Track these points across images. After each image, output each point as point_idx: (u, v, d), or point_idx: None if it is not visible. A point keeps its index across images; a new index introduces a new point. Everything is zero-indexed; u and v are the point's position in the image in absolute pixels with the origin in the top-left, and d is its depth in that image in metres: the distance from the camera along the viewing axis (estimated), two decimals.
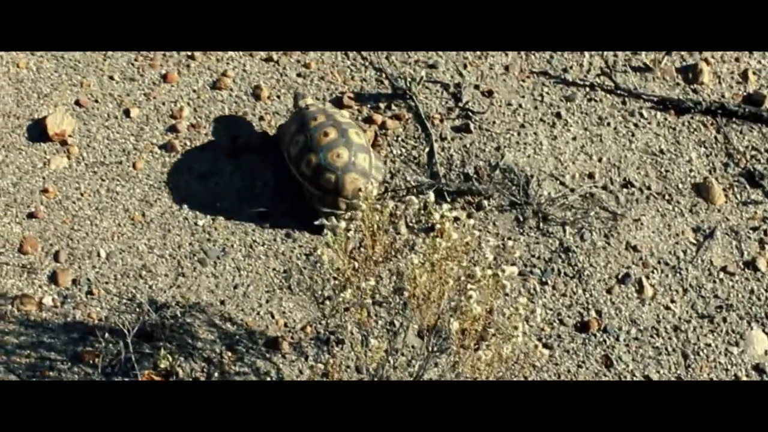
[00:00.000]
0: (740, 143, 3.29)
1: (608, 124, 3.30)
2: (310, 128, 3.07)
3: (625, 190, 3.19)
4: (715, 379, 2.86)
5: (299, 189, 3.14)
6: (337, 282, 2.50)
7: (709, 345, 2.92)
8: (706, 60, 3.46)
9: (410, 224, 3.08)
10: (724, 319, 2.97)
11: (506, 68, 3.42)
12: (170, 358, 2.75)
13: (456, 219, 2.39)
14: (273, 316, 2.94)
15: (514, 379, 2.51)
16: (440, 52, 3.44)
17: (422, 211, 2.90)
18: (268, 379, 2.79)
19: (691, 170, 3.24)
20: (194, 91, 3.40)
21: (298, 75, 3.43)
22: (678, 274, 3.04)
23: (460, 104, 3.30)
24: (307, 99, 3.26)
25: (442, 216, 2.32)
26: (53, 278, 3.01)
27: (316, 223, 2.95)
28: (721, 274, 3.05)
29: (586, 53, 3.45)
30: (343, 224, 2.38)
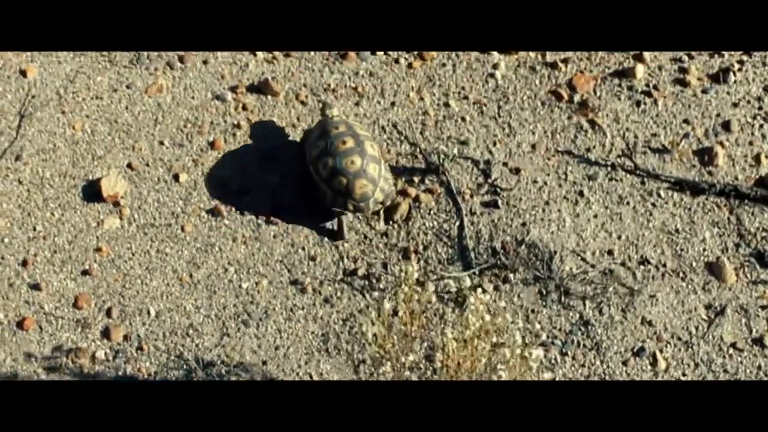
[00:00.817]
0: (752, 224, 3.50)
1: (628, 203, 3.52)
2: (331, 135, 3.42)
3: (642, 267, 3.39)
4: None
5: (314, 189, 3.44)
6: (376, 354, 2.71)
7: None
8: (721, 143, 3.68)
9: (440, 293, 3.29)
10: None
11: (533, 146, 3.64)
12: None
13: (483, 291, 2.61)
14: (311, 377, 3.15)
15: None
16: (471, 129, 3.67)
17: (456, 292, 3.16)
18: None
19: (704, 249, 3.45)
20: (239, 158, 3.63)
21: None
22: (690, 349, 3.25)
23: (489, 180, 3.52)
24: (333, 110, 3.60)
25: (475, 299, 2.54)
26: (106, 333, 3.23)
27: (327, 225, 3.39)
28: (731, 350, 3.25)
29: (608, 134, 3.67)
30: (387, 305, 2.59)
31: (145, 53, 3.87)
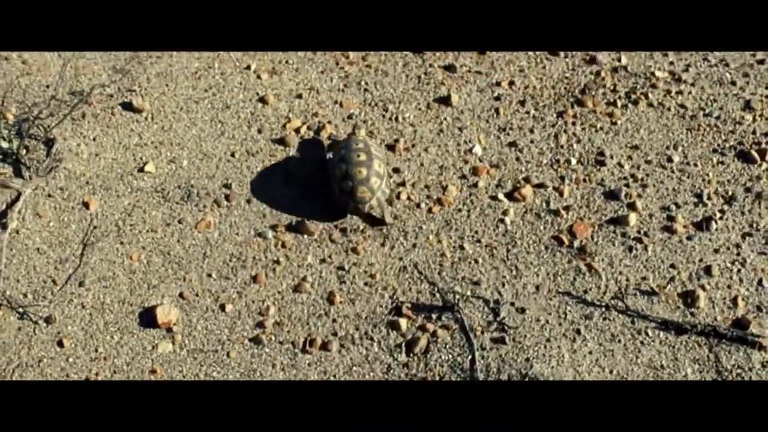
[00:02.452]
0: (728, 362, 3.97)
1: (619, 340, 3.99)
2: (351, 148, 4.31)
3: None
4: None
5: (330, 189, 4.33)
6: None
7: None
8: (703, 286, 4.16)
9: None
10: None
11: (537, 288, 4.13)
12: None
13: None
14: None
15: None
16: (482, 270, 4.16)
17: None
18: None
19: None
20: (279, 292, 4.12)
21: (365, 284, 4.15)
22: None
23: (498, 318, 4.01)
24: (361, 131, 4.56)
25: None
26: None
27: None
28: None
29: (603, 277, 4.16)
30: None
31: (195, 191, 4.39)
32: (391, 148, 4.56)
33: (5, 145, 4.56)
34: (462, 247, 4.24)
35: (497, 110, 4.72)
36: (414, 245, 4.25)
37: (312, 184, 4.41)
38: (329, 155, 4.45)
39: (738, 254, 4.24)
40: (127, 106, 4.78)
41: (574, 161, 4.50)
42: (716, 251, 4.25)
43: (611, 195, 4.40)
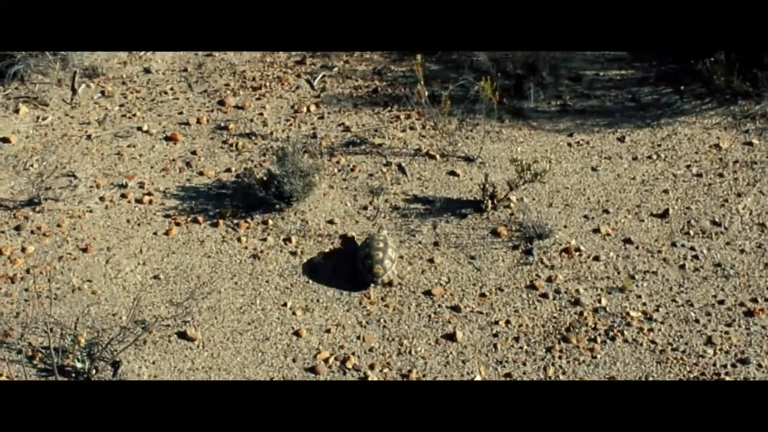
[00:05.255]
0: None
1: None
2: (375, 239, 5.95)
3: None
4: None
5: (355, 266, 5.92)
6: None
7: None
8: None
9: None
10: None
11: None
12: None
13: None
14: None
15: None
16: None
17: None
18: None
19: None
20: None
21: None
22: None
23: None
24: (384, 231, 6.06)
25: None
26: None
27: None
28: None
29: None
30: None
31: None
32: (405, 377, 5.39)
33: (79, 365, 5.41)
34: None
35: (495, 345, 5.58)
36: None
37: None
38: (363, 243, 6.01)
39: None
40: (182, 335, 5.67)
41: None
42: None
43: None
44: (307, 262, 6.12)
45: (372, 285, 5.87)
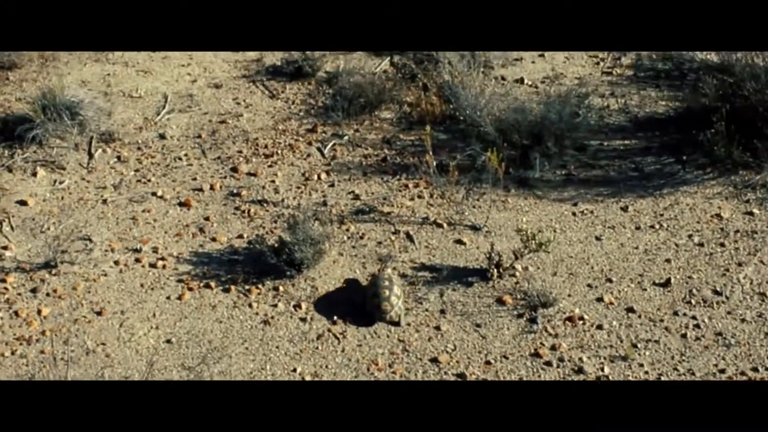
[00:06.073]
0: None
1: None
2: (381, 278, 6.30)
3: None
4: None
5: (364, 304, 6.26)
6: None
7: None
8: None
9: None
10: None
11: None
12: None
13: None
14: None
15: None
16: None
17: None
18: None
19: None
20: None
21: None
22: None
23: None
24: (389, 269, 6.50)
25: None
26: None
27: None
28: None
29: None
30: None
31: None
32: None
33: None
34: None
35: None
36: None
37: None
38: (370, 284, 6.35)
39: None
40: None
41: None
42: None
43: None
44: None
45: (379, 322, 6.26)
